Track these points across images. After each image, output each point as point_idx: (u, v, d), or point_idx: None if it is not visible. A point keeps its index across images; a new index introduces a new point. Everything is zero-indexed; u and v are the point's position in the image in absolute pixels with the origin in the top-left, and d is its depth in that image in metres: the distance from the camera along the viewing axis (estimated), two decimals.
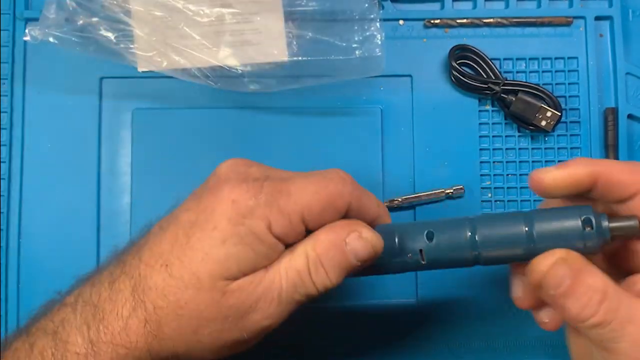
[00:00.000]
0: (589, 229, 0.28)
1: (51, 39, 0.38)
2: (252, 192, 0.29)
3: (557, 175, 0.28)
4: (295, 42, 0.39)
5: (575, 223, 0.28)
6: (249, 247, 0.28)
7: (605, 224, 0.28)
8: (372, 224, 0.32)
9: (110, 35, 0.39)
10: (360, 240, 0.29)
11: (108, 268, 0.30)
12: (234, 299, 0.28)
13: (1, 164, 0.41)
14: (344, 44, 0.39)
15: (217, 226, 0.28)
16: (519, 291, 0.31)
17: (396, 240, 0.30)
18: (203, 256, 0.28)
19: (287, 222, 0.29)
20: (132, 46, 0.39)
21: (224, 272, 0.28)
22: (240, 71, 0.39)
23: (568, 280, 0.26)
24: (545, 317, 0.31)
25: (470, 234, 0.29)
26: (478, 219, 0.30)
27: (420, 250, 0.30)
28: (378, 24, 0.39)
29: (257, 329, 0.29)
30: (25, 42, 0.41)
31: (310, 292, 0.29)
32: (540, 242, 0.28)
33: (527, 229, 0.28)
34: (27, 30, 0.39)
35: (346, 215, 0.31)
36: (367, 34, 0.39)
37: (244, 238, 0.28)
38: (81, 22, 0.39)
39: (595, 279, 0.27)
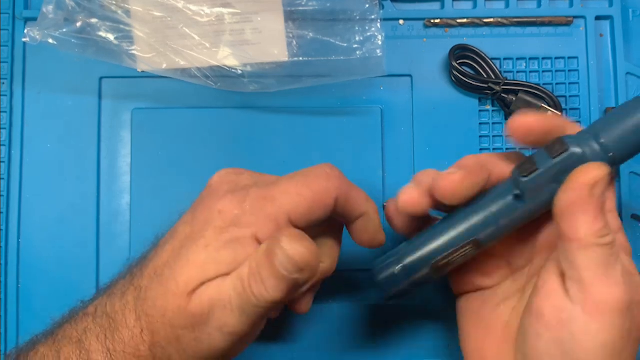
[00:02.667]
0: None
1: (50, 41, 0.38)
2: (237, 201, 0.29)
3: (533, 119, 0.30)
4: (295, 42, 0.39)
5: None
6: (231, 250, 0.28)
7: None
8: (361, 219, 0.32)
9: (110, 36, 0.39)
10: (282, 252, 0.27)
11: (120, 280, 0.31)
12: (194, 306, 0.28)
13: (1, 163, 0.41)
14: (345, 45, 0.39)
15: (204, 235, 0.28)
16: (414, 193, 0.32)
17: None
18: (185, 262, 0.28)
19: (274, 227, 0.29)
20: (131, 47, 0.39)
21: (202, 275, 0.28)
22: (240, 71, 0.39)
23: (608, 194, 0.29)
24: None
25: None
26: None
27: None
28: (379, 25, 0.39)
29: (224, 338, 0.28)
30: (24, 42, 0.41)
31: (252, 302, 0.27)
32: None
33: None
34: (26, 32, 0.38)
35: (335, 209, 0.30)
36: (368, 34, 0.39)
37: (227, 243, 0.28)
38: (80, 22, 0.39)
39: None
